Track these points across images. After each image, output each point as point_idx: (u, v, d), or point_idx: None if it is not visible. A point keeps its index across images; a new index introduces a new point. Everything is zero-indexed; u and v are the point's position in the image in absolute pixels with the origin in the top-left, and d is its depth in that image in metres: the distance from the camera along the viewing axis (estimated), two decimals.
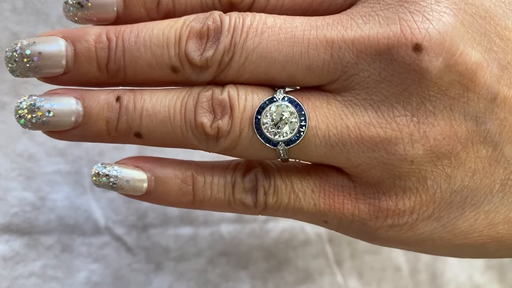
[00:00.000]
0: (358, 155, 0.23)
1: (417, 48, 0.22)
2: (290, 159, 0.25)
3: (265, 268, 0.35)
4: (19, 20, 0.31)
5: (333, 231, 0.29)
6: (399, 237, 0.25)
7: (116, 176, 0.25)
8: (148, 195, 0.25)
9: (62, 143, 0.32)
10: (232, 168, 0.25)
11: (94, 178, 0.25)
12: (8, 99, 0.31)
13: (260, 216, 0.35)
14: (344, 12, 0.24)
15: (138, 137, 0.25)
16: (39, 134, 0.32)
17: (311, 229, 0.36)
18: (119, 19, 0.25)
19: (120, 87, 0.25)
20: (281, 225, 0.35)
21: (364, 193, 0.24)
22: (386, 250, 0.37)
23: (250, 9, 0.25)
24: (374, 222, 0.24)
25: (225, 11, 0.24)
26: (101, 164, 0.25)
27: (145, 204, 0.33)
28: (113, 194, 0.33)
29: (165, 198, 0.25)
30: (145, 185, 0.25)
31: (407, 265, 0.38)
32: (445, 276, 0.40)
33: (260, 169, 0.25)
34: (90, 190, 0.32)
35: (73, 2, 0.25)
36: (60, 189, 0.32)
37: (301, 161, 0.26)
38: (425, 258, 0.38)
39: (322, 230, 0.36)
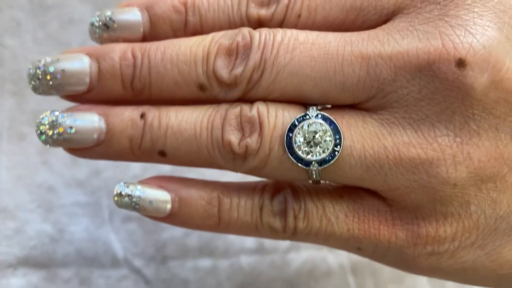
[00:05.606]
0: (396, 177, 0.22)
1: (461, 63, 0.21)
2: (321, 181, 0.24)
3: None
4: (41, 50, 0.31)
5: (355, 261, 0.27)
6: (439, 265, 0.24)
7: (139, 197, 0.24)
8: (172, 217, 0.24)
9: (81, 174, 0.31)
10: (260, 190, 0.24)
11: (116, 198, 0.24)
12: (27, 130, 0.31)
13: (281, 246, 0.34)
14: (380, 27, 0.23)
15: (162, 155, 0.24)
16: (58, 164, 0.31)
17: (333, 260, 0.35)
18: (145, 40, 0.25)
19: (145, 105, 0.25)
20: (302, 256, 0.34)
21: (401, 218, 0.23)
22: (410, 279, 0.36)
23: (280, 26, 0.24)
24: (413, 249, 0.23)
25: (254, 29, 0.24)
26: (124, 183, 0.24)
27: (164, 235, 0.32)
28: (132, 226, 0.32)
29: (189, 220, 0.24)
30: (169, 206, 0.24)
31: None
32: None
33: (289, 191, 0.24)
34: (109, 221, 0.32)
35: (99, 24, 0.25)
36: (79, 221, 0.31)
37: (332, 183, 0.25)
38: (450, 286, 0.38)
39: (344, 260, 0.35)
